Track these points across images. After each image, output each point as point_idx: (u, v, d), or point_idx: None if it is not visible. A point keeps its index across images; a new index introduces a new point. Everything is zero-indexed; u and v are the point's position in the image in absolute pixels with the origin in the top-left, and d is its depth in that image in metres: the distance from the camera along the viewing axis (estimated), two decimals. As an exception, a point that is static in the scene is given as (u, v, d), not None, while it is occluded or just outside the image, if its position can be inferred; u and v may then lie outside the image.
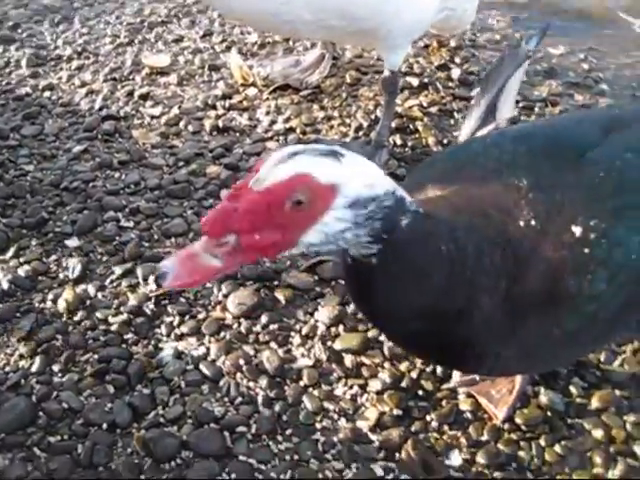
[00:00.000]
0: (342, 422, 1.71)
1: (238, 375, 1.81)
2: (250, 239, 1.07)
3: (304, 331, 1.92)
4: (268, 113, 2.84)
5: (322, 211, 1.09)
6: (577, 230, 1.28)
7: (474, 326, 1.28)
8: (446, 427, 1.70)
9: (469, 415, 1.72)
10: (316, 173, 1.07)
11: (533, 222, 1.29)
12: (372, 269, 1.19)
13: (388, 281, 1.21)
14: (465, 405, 1.74)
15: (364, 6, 2.26)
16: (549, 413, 1.72)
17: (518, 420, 1.70)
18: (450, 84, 3.00)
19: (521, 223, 1.30)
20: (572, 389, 1.77)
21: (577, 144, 1.42)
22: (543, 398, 1.74)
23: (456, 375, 1.79)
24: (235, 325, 1.95)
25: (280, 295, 2.02)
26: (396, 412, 1.72)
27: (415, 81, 2.98)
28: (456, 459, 1.64)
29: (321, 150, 1.10)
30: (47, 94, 3.00)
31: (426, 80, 3.00)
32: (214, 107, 2.88)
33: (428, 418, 1.72)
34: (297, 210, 1.07)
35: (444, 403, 1.75)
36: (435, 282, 1.23)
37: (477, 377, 1.77)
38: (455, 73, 3.05)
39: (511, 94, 1.94)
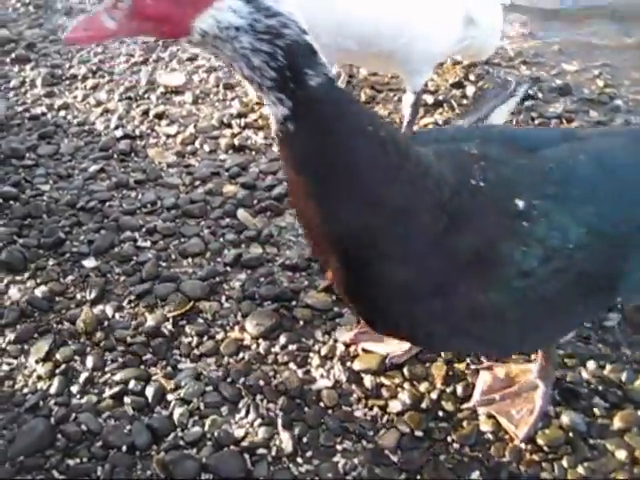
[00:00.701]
0: (363, 444, 1.70)
1: (257, 396, 1.80)
2: (144, 4, 1.09)
3: (323, 352, 1.91)
4: (283, 131, 2.83)
5: None
6: (520, 203, 1.32)
7: (407, 238, 1.26)
8: (467, 448, 1.69)
9: (490, 436, 1.71)
10: None
11: (482, 184, 1.32)
12: (294, 142, 1.19)
13: (312, 152, 1.19)
14: (486, 426, 1.72)
15: (379, 34, 2.30)
16: (571, 434, 1.70)
17: (540, 441, 1.68)
18: (465, 102, 3.00)
19: (472, 182, 1.32)
20: (594, 409, 1.75)
21: (533, 141, 1.48)
22: (565, 418, 1.72)
23: (476, 394, 1.78)
24: (254, 346, 1.94)
25: (299, 315, 2.02)
26: (417, 433, 1.71)
27: (430, 99, 2.98)
28: (478, 481, 1.62)
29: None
30: (62, 113, 3.01)
31: (441, 98, 3.00)
32: (229, 126, 2.88)
33: (449, 439, 1.70)
34: None
35: (465, 424, 1.73)
36: (362, 161, 1.20)
37: (497, 396, 1.76)
38: (470, 90, 3.05)
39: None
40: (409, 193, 1.24)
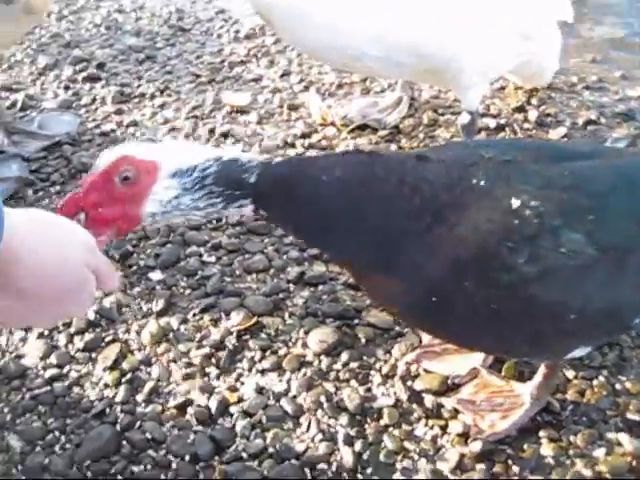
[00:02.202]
0: (422, 463, 1.70)
1: (319, 412, 1.82)
2: (96, 214, 1.30)
3: (384, 370, 1.92)
4: (346, 152, 2.87)
5: (150, 183, 1.30)
6: (515, 203, 1.36)
7: (393, 247, 1.38)
8: (527, 472, 1.68)
9: (551, 460, 1.69)
10: (137, 153, 1.31)
11: (482, 183, 1.39)
12: (273, 219, 1.48)
13: (288, 218, 1.43)
14: (547, 449, 1.71)
15: (429, 42, 2.30)
16: (635, 462, 1.68)
17: (602, 468, 1.66)
18: (527, 126, 3.00)
19: (473, 181, 1.40)
20: (659, 437, 1.73)
21: (561, 152, 1.52)
22: (628, 446, 1.70)
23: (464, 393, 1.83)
24: (316, 362, 1.96)
25: (360, 333, 2.03)
26: (477, 455, 1.71)
27: (492, 122, 2.98)
28: (539, 505, 1.61)
29: (142, 140, 1.36)
30: (131, 130, 3.09)
31: (503, 122, 3.00)
32: (293, 146, 2.92)
33: (509, 462, 1.70)
34: (127, 185, 1.29)
35: (525, 447, 1.72)
36: (326, 208, 1.38)
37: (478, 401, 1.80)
38: (532, 115, 3.04)
39: None
40: (378, 210, 1.37)
